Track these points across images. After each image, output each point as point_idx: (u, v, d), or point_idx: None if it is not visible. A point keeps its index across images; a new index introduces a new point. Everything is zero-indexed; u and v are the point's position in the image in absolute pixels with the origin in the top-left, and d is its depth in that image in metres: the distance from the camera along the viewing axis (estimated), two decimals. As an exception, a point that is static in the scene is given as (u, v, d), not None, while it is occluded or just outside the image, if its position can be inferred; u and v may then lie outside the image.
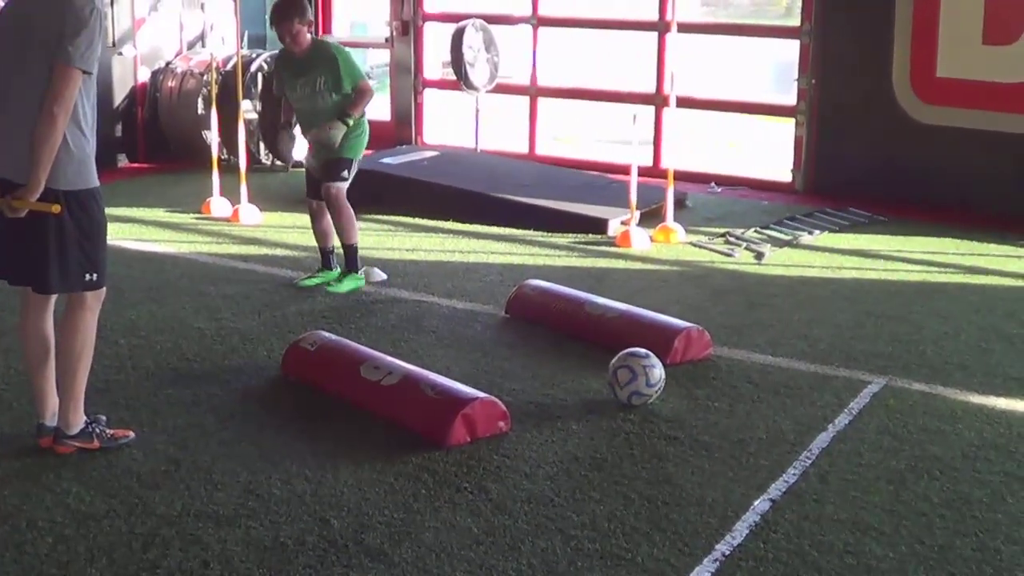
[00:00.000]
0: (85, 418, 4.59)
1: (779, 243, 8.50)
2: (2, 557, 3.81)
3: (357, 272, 6.90)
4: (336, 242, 7.09)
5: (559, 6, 12.64)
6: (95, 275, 4.44)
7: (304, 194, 7.23)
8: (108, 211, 4.64)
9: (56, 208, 4.23)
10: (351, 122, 6.73)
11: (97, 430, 4.61)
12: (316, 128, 6.75)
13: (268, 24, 12.68)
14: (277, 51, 7.60)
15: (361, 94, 6.77)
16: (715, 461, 4.65)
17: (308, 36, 6.80)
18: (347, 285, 6.80)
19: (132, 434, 4.73)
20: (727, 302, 6.96)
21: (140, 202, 9.59)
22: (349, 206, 6.87)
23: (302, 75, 6.77)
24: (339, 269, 7.09)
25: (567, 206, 9.04)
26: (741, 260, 8.03)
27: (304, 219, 7.43)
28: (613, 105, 12.41)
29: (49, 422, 4.58)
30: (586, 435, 4.89)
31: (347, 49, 6.99)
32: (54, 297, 4.55)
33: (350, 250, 6.93)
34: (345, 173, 6.84)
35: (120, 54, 11.22)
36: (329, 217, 6.96)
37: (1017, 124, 9.33)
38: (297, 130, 7.11)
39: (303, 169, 7.29)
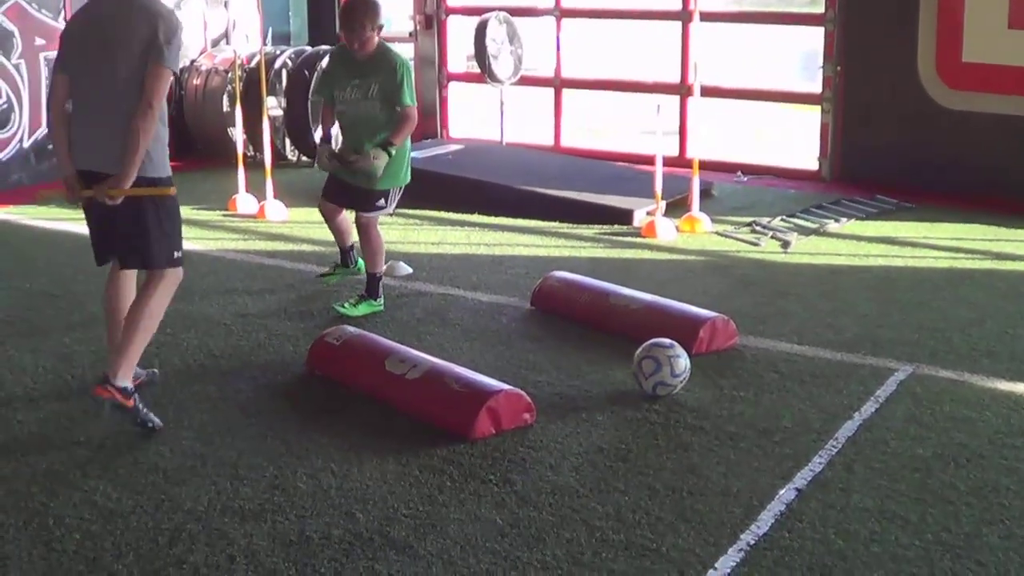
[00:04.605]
0: (130, 385, 4.77)
1: (805, 231, 8.46)
2: (31, 554, 3.85)
3: (376, 300, 6.60)
4: (356, 238, 6.82)
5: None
6: (178, 252, 4.95)
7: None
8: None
9: (172, 190, 4.83)
10: (394, 151, 6.40)
11: (137, 395, 4.78)
12: (358, 147, 6.42)
13: (299, 22, 12.81)
14: (334, 47, 7.39)
15: (405, 120, 6.40)
16: (740, 451, 4.64)
17: (376, 41, 6.43)
18: (362, 309, 6.50)
19: (160, 423, 4.82)
20: (753, 291, 6.94)
21: (167, 200, 9.64)
22: (380, 235, 6.62)
23: (358, 77, 6.42)
24: (356, 266, 6.91)
25: (592, 197, 9.02)
26: (767, 249, 7.99)
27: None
28: (638, 95, 12.37)
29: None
30: (611, 426, 4.89)
31: (411, 65, 6.72)
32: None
33: (373, 278, 6.64)
34: (381, 202, 6.56)
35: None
36: (344, 214, 6.75)
37: (1044, 108, 9.26)
38: (336, 139, 6.90)
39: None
